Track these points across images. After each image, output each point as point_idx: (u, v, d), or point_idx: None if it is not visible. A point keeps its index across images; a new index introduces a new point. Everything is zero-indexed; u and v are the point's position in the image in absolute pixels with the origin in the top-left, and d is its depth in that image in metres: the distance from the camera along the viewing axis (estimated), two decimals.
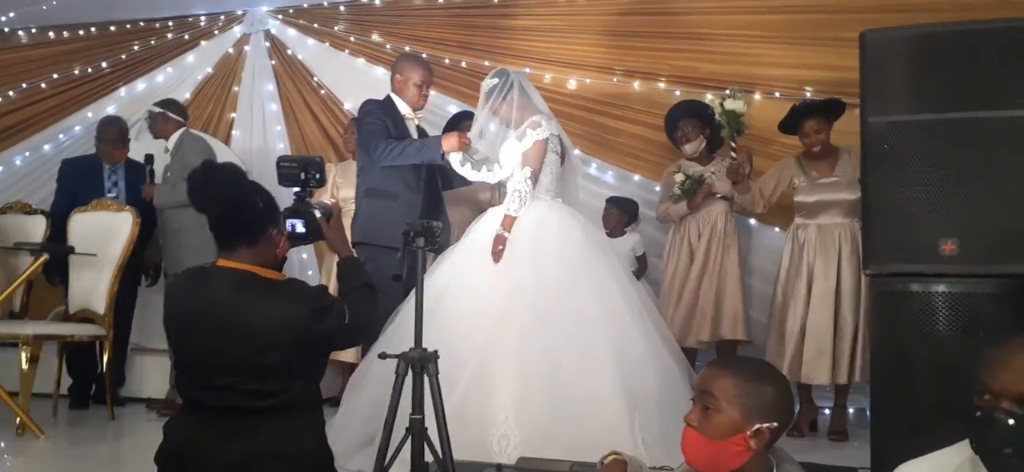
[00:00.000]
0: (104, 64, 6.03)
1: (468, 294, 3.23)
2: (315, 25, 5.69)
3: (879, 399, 2.60)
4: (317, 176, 2.37)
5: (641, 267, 4.67)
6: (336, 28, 5.62)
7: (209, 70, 5.86)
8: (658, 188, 4.71)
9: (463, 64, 5.25)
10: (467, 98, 4.94)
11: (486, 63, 4.96)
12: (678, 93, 4.76)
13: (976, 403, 1.46)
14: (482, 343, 3.07)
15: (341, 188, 4.67)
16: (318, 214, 2.34)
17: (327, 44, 5.65)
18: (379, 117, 3.68)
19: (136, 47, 5.99)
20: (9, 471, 3.31)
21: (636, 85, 4.95)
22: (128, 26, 6.04)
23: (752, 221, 4.58)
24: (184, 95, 5.70)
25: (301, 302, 2.09)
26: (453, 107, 5.11)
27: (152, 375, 4.81)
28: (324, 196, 4.53)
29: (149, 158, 4.68)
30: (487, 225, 3.41)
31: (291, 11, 5.75)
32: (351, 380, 3.43)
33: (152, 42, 5.97)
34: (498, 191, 4.14)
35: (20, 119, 6.13)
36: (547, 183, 3.43)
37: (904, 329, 2.51)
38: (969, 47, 2.51)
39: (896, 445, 2.40)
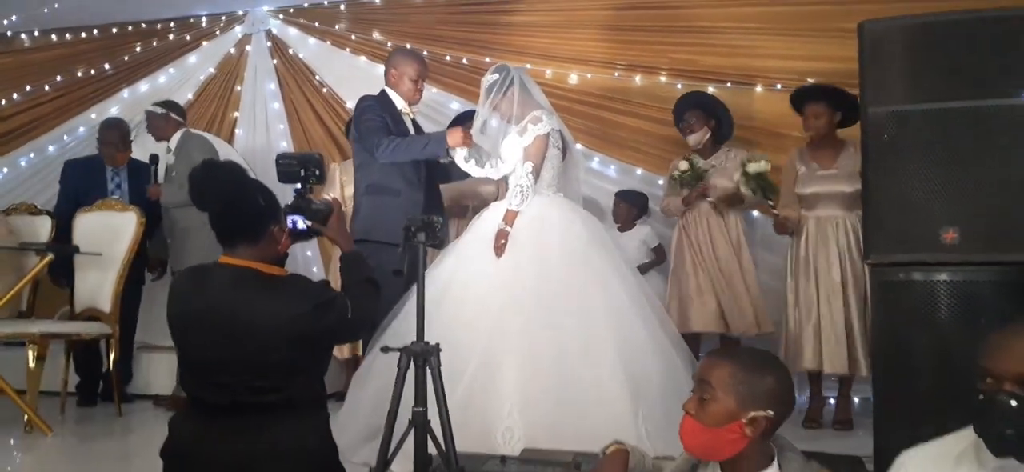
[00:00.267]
0: (107, 66, 6.06)
1: (471, 289, 3.24)
2: (316, 24, 5.71)
3: (881, 388, 2.60)
4: (317, 172, 2.38)
5: (658, 258, 4.67)
6: (337, 27, 5.64)
7: (211, 70, 5.89)
8: (661, 181, 4.71)
9: (464, 61, 5.26)
10: (468, 95, 4.95)
11: (487, 59, 4.96)
12: (679, 86, 4.76)
13: (978, 388, 1.47)
14: (486, 337, 3.08)
15: (346, 186, 4.67)
16: (319, 210, 2.35)
17: (328, 43, 5.67)
18: (378, 113, 3.66)
19: (138, 49, 6.02)
20: (18, 468, 3.34)
21: (637, 79, 4.96)
22: (130, 28, 6.08)
23: (755, 213, 4.58)
24: (187, 95, 5.73)
25: (304, 297, 2.10)
26: (455, 104, 5.12)
27: (158, 372, 4.83)
28: (331, 195, 4.54)
29: (154, 158, 4.70)
30: (489, 220, 3.42)
31: (292, 10, 5.78)
32: (356, 374, 3.45)
33: (154, 43, 6.00)
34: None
35: (25, 121, 6.18)
36: (549, 178, 3.44)
37: (905, 318, 2.51)
38: (968, 36, 2.51)
39: (898, 434, 2.39)
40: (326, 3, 5.70)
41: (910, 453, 1.63)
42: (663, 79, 4.89)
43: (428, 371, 2.35)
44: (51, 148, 6.05)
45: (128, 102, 5.93)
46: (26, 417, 3.83)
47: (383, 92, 3.82)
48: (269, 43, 5.80)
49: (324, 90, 5.62)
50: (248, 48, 5.83)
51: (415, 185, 3.71)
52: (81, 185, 4.73)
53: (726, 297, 4.18)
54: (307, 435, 2.14)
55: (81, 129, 5.98)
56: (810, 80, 4.35)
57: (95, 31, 6.12)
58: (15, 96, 6.19)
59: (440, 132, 3.74)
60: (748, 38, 4.69)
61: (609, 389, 2.98)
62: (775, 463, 1.63)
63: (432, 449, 2.34)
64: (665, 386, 3.05)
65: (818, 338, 3.81)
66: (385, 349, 2.45)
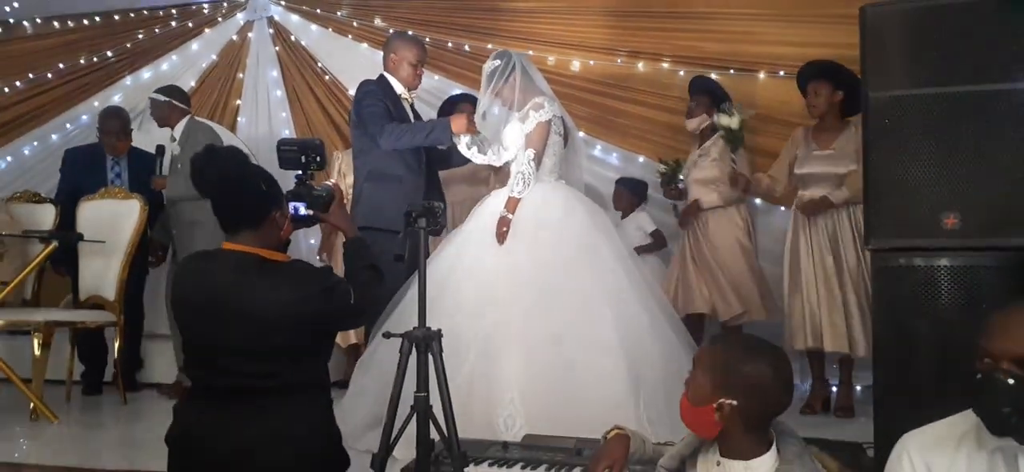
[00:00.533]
0: (109, 53, 6.05)
1: (473, 275, 3.26)
2: (318, 11, 5.70)
3: (882, 373, 2.60)
4: (317, 159, 2.38)
5: (657, 242, 4.68)
6: (339, 14, 5.63)
7: (214, 57, 5.88)
8: (660, 168, 4.72)
9: (466, 47, 5.25)
10: (470, 81, 4.94)
11: (489, 46, 4.95)
12: (682, 73, 4.76)
13: (976, 367, 1.48)
14: (488, 323, 3.10)
15: (347, 175, 4.64)
16: (320, 196, 2.36)
17: (330, 30, 5.66)
18: (379, 99, 3.65)
19: (140, 36, 6.01)
20: (25, 455, 3.36)
21: (640, 66, 4.95)
22: (132, 15, 6.06)
23: (758, 201, 4.58)
24: (189, 83, 5.72)
25: (306, 283, 2.11)
26: (457, 90, 5.11)
27: (161, 360, 4.85)
28: (332, 181, 4.54)
29: (160, 149, 4.64)
30: (491, 207, 3.42)
31: None
32: (360, 361, 3.47)
33: (156, 31, 5.99)
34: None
35: (28, 109, 6.18)
36: (550, 165, 3.44)
37: (906, 303, 2.50)
38: (969, 20, 2.49)
39: (899, 419, 2.38)
40: None
41: (912, 435, 1.65)
42: (666, 66, 4.88)
43: (430, 357, 2.36)
44: (54, 136, 6.05)
45: (131, 90, 5.92)
46: (32, 405, 3.85)
47: (382, 77, 3.81)
48: (271, 30, 5.79)
49: (326, 77, 5.61)
50: (250, 35, 5.82)
51: (416, 171, 3.71)
52: (81, 174, 4.73)
53: (711, 283, 4.21)
54: (310, 420, 2.15)
55: (84, 117, 5.97)
56: None
57: (97, 18, 6.11)
58: (18, 84, 6.19)
59: (444, 118, 3.73)
60: (751, 24, 4.68)
61: (610, 375, 3.00)
62: (773, 448, 1.64)
63: (434, 435, 2.35)
64: (666, 371, 3.06)
65: (812, 319, 3.83)
66: (387, 335, 2.46)
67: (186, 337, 2.22)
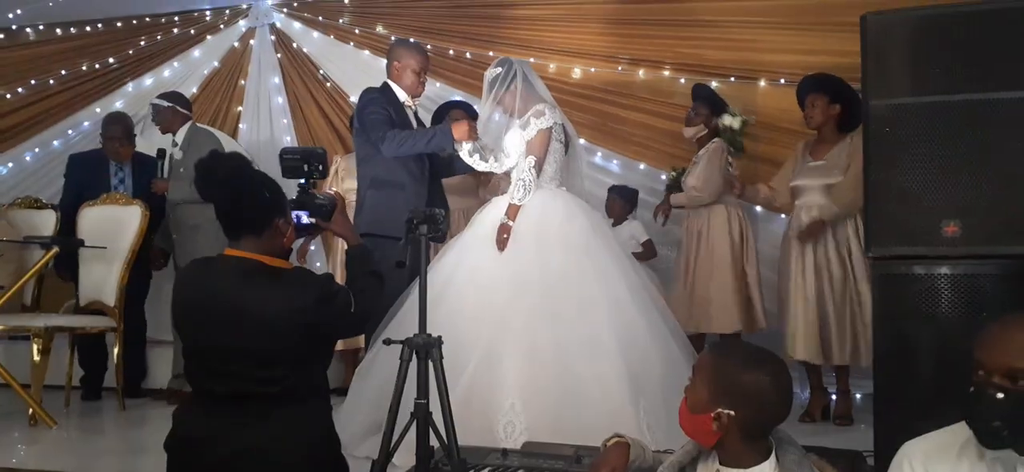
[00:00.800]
0: (111, 60, 6.07)
1: (474, 282, 3.25)
2: (320, 18, 5.71)
3: (882, 381, 2.60)
4: (320, 167, 2.39)
5: (647, 252, 4.68)
6: (340, 21, 5.64)
7: (215, 64, 5.89)
8: (664, 177, 4.72)
9: (467, 55, 5.26)
10: (471, 89, 4.95)
11: (490, 53, 4.97)
12: (683, 81, 4.77)
13: (971, 379, 1.48)
14: (488, 330, 3.09)
15: (344, 180, 4.67)
16: (323, 205, 2.36)
17: (332, 37, 5.68)
18: (382, 106, 3.65)
19: (142, 42, 6.03)
20: (23, 461, 3.36)
21: (641, 73, 4.96)
22: (134, 22, 6.07)
23: (758, 209, 4.58)
24: (191, 89, 5.73)
25: (307, 290, 2.11)
26: (458, 98, 5.12)
27: (161, 366, 4.85)
28: (333, 189, 4.55)
29: (161, 152, 4.69)
30: (492, 214, 3.42)
31: (295, 4, 5.78)
32: (359, 368, 3.46)
33: (158, 37, 6.01)
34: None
35: (30, 115, 6.19)
36: (551, 172, 3.44)
37: (907, 311, 2.51)
38: (970, 29, 2.51)
39: (900, 427, 2.38)
40: None
41: (913, 443, 1.64)
42: (667, 73, 4.88)
43: (430, 364, 2.36)
44: (56, 143, 6.07)
45: (133, 96, 5.94)
46: (31, 410, 3.85)
47: (385, 85, 3.81)
48: (273, 37, 5.80)
49: (328, 84, 5.62)
50: (252, 42, 5.84)
51: (419, 179, 3.70)
52: (85, 180, 4.74)
53: (693, 295, 4.20)
54: (310, 427, 2.15)
55: (86, 123, 5.98)
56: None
57: (99, 25, 6.13)
58: (20, 90, 6.21)
59: (445, 125, 3.73)
60: (752, 32, 4.69)
61: (610, 382, 2.99)
62: (772, 456, 1.64)
63: (434, 442, 2.34)
64: (666, 379, 3.05)
65: (806, 329, 3.81)
66: (387, 341, 2.46)
67: (187, 342, 2.22)
